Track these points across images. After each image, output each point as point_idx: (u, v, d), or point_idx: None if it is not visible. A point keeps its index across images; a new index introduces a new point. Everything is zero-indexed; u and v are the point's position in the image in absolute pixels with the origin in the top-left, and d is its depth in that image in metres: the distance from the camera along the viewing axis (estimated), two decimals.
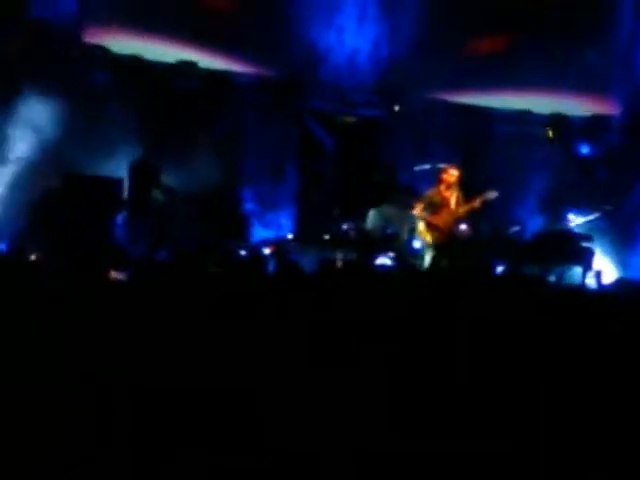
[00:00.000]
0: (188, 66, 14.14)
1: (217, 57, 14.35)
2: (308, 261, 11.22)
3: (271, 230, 14.06)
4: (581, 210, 14.35)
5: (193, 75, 14.13)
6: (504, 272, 12.34)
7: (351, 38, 14.79)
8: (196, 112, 14.04)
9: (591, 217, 14.17)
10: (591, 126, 15.26)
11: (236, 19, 14.22)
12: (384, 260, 12.36)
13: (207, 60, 14.30)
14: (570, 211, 14.35)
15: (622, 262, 14.37)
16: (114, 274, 6.00)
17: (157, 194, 13.11)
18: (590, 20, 14.77)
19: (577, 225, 14.18)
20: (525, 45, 14.79)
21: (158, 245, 12.04)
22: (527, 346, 4.97)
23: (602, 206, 14.42)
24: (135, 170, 13.08)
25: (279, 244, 13.04)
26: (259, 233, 13.88)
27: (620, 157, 15.09)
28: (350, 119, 14.90)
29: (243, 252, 11.31)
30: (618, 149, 15.12)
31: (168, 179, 13.59)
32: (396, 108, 14.80)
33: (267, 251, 12.19)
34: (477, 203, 12.85)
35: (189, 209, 13.30)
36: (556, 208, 14.53)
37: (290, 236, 13.97)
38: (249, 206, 14.11)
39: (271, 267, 6.89)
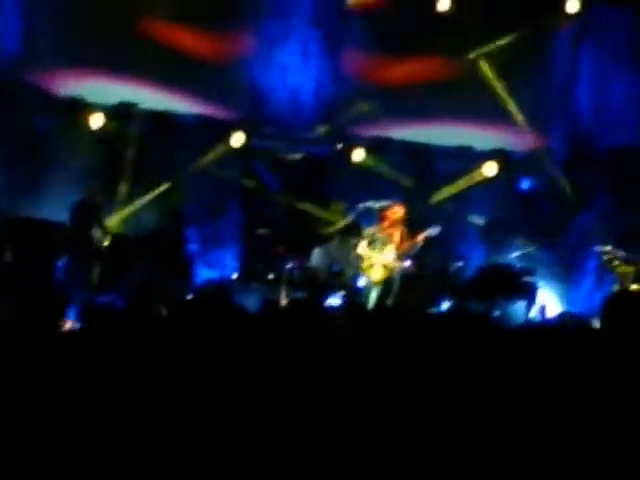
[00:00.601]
0: (129, 107, 14.10)
1: (160, 98, 14.32)
2: (252, 300, 11.19)
3: (215, 270, 14.00)
4: (523, 244, 14.49)
5: (135, 116, 14.10)
6: (449, 309, 12.40)
7: (294, 76, 14.84)
8: (138, 152, 14.00)
9: (529, 249, 14.32)
10: (532, 161, 15.42)
11: (179, 59, 14.21)
12: (334, 300, 12.34)
13: (150, 101, 14.28)
14: (512, 245, 14.48)
15: (565, 296, 14.50)
16: (61, 322, 5.91)
17: (99, 235, 13.00)
18: (529, 57, 14.98)
19: (517, 257, 14.30)
20: (465, 81, 14.94)
21: (102, 288, 11.92)
22: (473, 382, 4.97)
23: (543, 240, 14.58)
24: (76, 212, 12.96)
25: (223, 284, 12.97)
26: (203, 273, 13.81)
27: (561, 191, 15.26)
28: (294, 157, 14.91)
29: (188, 294, 11.22)
30: (559, 184, 15.29)
31: (110, 220, 13.51)
32: (339, 146, 14.84)
33: (211, 292, 12.10)
34: (420, 239, 12.92)
35: (133, 250, 13.21)
36: (498, 242, 14.65)
37: (234, 276, 13.92)
38: (193, 246, 14.05)
39: (215, 308, 6.85)
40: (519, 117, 15.02)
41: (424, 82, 14.88)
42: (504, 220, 14.84)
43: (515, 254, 14.32)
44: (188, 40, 14.42)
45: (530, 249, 14.31)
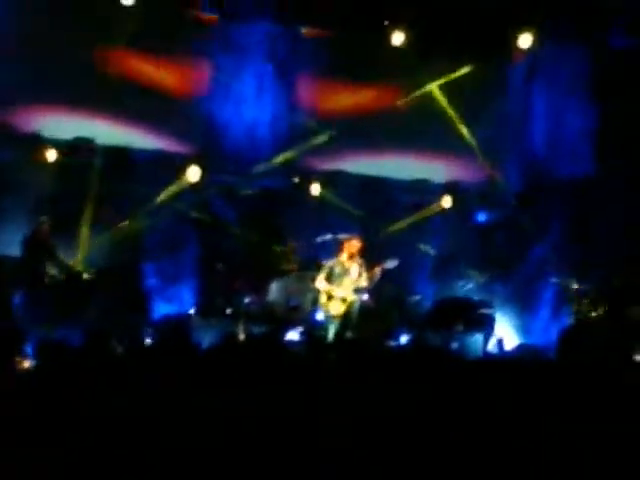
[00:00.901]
0: (86, 142, 14.06)
1: (117, 132, 14.29)
2: (211, 336, 11.12)
3: (173, 305, 13.92)
4: (478, 275, 14.56)
5: (91, 151, 14.06)
6: (408, 342, 12.40)
7: (250, 110, 14.86)
8: (95, 187, 13.95)
9: (481, 279, 14.39)
10: (487, 193, 15.53)
11: (137, 93, 14.20)
12: (293, 334, 12.30)
13: (107, 136, 14.25)
14: (468, 277, 14.55)
15: (522, 327, 14.57)
16: (19, 361, 5.84)
17: (53, 270, 12.89)
18: (483, 90, 15.12)
19: (474, 290, 14.36)
20: (420, 113, 15.05)
21: (58, 324, 11.78)
22: (432, 415, 4.98)
23: (498, 271, 14.68)
24: (26, 245, 12.85)
25: (180, 320, 12.89)
26: (161, 308, 13.72)
27: (516, 223, 15.37)
28: (251, 191, 14.90)
29: (146, 332, 11.14)
30: (514, 216, 15.41)
31: (66, 255, 13.41)
32: (295, 179, 14.87)
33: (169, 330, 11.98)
34: (378, 272, 12.93)
35: (89, 285, 13.11)
36: (454, 275, 14.71)
37: (192, 311, 13.84)
38: (150, 281, 13.96)
39: (173, 346, 6.82)
40: (474, 149, 15.14)
41: (379, 113, 14.96)
42: (460, 252, 14.91)
43: (469, 286, 14.38)
44: (145, 75, 14.42)
45: (483, 279, 14.37)
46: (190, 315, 13.54)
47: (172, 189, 14.26)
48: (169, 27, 14.17)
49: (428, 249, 15.04)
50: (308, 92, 15.06)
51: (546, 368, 6.14)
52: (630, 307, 13.32)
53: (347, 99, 15.16)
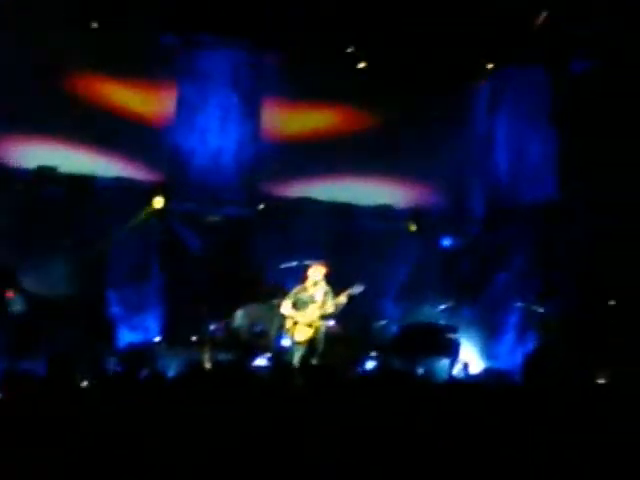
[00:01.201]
0: (48, 171, 14.00)
1: (81, 160, 14.24)
2: (176, 364, 11.08)
3: (138, 333, 13.85)
4: (446, 301, 14.60)
5: (54, 180, 14.00)
6: (375, 367, 12.43)
7: (215, 139, 14.87)
8: (58, 216, 13.88)
9: (447, 306, 14.43)
10: (452, 219, 15.58)
11: (102, 121, 14.17)
12: (260, 361, 12.27)
13: (70, 164, 14.19)
14: (436, 303, 14.57)
15: (488, 352, 14.61)
16: None
17: (15, 300, 12.79)
18: (447, 118, 15.22)
19: (439, 315, 14.38)
20: (384, 139, 15.11)
21: (21, 354, 11.69)
22: (399, 438, 4.99)
23: (463, 297, 14.72)
24: None
25: (146, 349, 12.83)
26: (126, 337, 13.65)
27: (481, 249, 15.44)
28: (216, 218, 14.88)
29: (111, 361, 11.07)
30: (479, 241, 15.48)
31: (30, 284, 13.31)
32: (260, 207, 14.87)
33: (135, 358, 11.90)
34: (343, 298, 12.95)
35: (53, 314, 13.02)
36: (421, 300, 14.74)
37: (157, 339, 13.78)
38: (115, 310, 13.90)
39: (139, 376, 6.78)
40: (438, 175, 15.21)
41: (344, 139, 14.99)
42: (425, 278, 14.95)
43: (437, 310, 14.41)
44: (110, 99, 14.39)
45: (448, 305, 14.40)
46: (155, 343, 13.48)
47: (137, 217, 14.21)
48: (135, 54, 14.16)
49: (394, 274, 15.05)
50: (273, 119, 15.07)
51: (510, 391, 6.17)
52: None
53: (312, 124, 15.20)
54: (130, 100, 14.54)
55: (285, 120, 15.18)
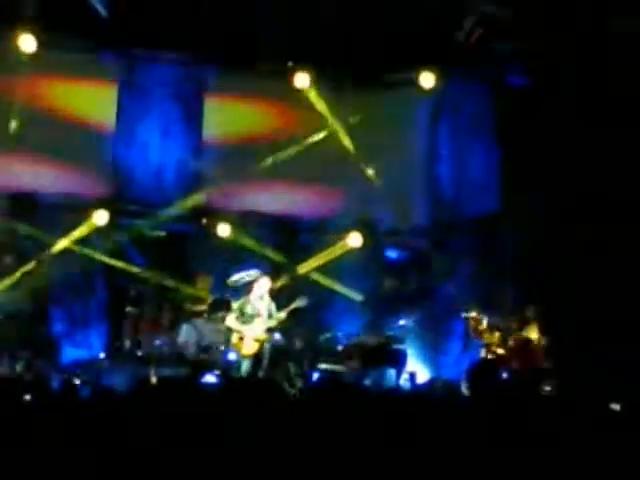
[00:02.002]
0: None
1: (22, 176, 14.10)
2: (122, 379, 11.00)
3: (82, 350, 13.73)
4: (393, 313, 14.63)
5: None
6: (320, 379, 12.40)
7: (156, 153, 14.81)
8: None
9: (404, 322, 14.46)
10: (397, 231, 15.64)
11: (42, 134, 14.03)
12: (210, 378, 12.20)
13: (11, 179, 14.05)
14: (383, 315, 14.61)
15: (434, 362, 14.68)
16: None
17: None
18: (389, 132, 15.30)
19: (391, 328, 14.42)
20: (327, 152, 15.15)
21: None
22: (346, 451, 5.00)
23: (413, 310, 14.77)
24: None
25: (90, 365, 12.72)
26: (70, 353, 13.53)
27: (426, 261, 15.52)
28: (159, 234, 14.81)
29: (55, 378, 10.95)
30: (424, 253, 15.55)
31: None
32: (203, 221, 14.82)
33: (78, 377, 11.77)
34: (288, 311, 12.98)
35: None
36: (368, 312, 14.77)
37: (102, 355, 13.68)
38: (58, 326, 13.77)
39: (84, 393, 6.73)
40: (383, 187, 15.26)
41: (287, 149, 14.99)
42: (372, 289, 14.99)
43: (388, 326, 14.44)
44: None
45: (403, 322, 14.43)
46: (100, 359, 13.37)
47: (79, 233, 14.09)
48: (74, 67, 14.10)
49: (340, 287, 15.07)
50: (215, 123, 15.02)
51: (455, 401, 6.21)
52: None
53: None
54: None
55: (226, 122, 15.08)
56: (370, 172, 15.17)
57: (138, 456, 4.83)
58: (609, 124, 14.04)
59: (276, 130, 15.10)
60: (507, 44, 14.42)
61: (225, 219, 14.73)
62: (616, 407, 6.89)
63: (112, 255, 14.42)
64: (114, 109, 14.51)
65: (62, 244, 14.01)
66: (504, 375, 13.00)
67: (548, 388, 11.67)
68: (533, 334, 13.57)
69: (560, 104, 14.32)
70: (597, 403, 6.12)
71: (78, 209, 14.17)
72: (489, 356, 13.55)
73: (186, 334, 13.22)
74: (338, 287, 15.02)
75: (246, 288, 13.66)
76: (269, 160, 14.82)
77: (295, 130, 15.10)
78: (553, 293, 13.87)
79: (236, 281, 13.67)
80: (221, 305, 13.36)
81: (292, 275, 14.87)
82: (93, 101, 14.43)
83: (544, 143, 14.25)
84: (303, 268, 15.01)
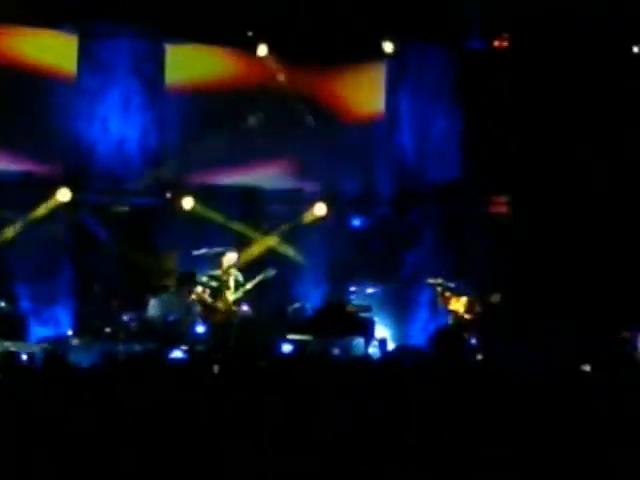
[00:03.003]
0: None
1: None
2: (91, 356, 10.97)
3: (50, 327, 13.67)
4: (359, 282, 14.67)
5: None
6: (290, 350, 12.46)
7: (117, 127, 14.69)
8: None
9: (372, 290, 14.51)
10: (361, 200, 15.65)
11: None
12: (177, 353, 12.18)
13: None
14: (349, 284, 14.65)
15: (402, 330, 14.76)
16: None
17: None
18: (351, 100, 15.30)
19: (358, 297, 14.47)
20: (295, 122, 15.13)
21: None
22: (317, 421, 5.03)
23: (379, 278, 14.82)
24: None
25: (56, 342, 12.67)
26: (37, 331, 13.46)
27: (391, 229, 15.56)
28: (123, 209, 14.73)
29: (23, 355, 10.91)
30: (388, 221, 15.59)
31: None
32: (168, 195, 14.74)
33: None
34: (256, 283, 13.00)
35: None
36: (335, 281, 14.81)
37: (70, 332, 13.62)
38: (25, 304, 13.69)
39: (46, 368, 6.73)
40: (345, 157, 15.26)
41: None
42: (338, 259, 15.01)
43: (353, 294, 14.48)
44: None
45: (371, 290, 14.49)
46: (68, 336, 13.32)
47: (42, 211, 13.99)
48: None
49: (306, 257, 15.08)
50: (177, 109, 14.92)
51: (421, 366, 6.28)
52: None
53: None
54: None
55: (188, 80, 14.95)
56: (331, 141, 15.16)
57: (105, 432, 4.84)
58: (570, 89, 14.12)
59: (237, 95, 15.02)
60: (466, 8, 14.44)
61: (189, 192, 14.67)
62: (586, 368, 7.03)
63: (77, 232, 14.34)
64: (74, 83, 14.36)
65: (25, 222, 13.90)
66: (472, 341, 13.12)
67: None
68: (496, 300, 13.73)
69: (520, 68, 14.37)
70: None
71: (40, 186, 14.05)
72: (455, 323, 13.67)
73: (153, 308, 13.18)
74: (304, 258, 15.03)
75: (213, 261, 13.65)
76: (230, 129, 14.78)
77: (257, 98, 15.05)
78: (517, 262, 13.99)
79: (202, 255, 13.65)
80: (188, 279, 13.32)
81: (258, 247, 14.85)
82: (53, 72, 14.25)
83: (504, 108, 14.31)
84: (269, 239, 15.00)
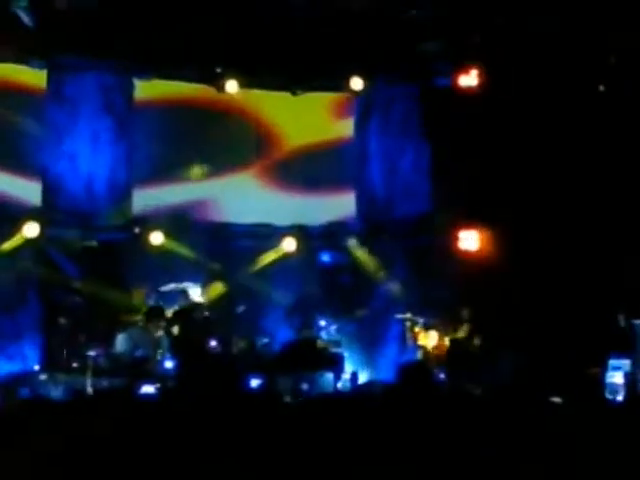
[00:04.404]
0: None
1: None
2: (58, 391, 10.89)
3: (16, 363, 13.56)
4: (329, 317, 14.67)
5: None
6: (260, 387, 12.41)
7: (86, 164, 14.66)
8: None
9: (338, 325, 14.52)
10: (330, 233, 15.67)
11: None
12: (148, 388, 12.10)
13: None
14: (318, 319, 14.63)
15: (371, 365, 14.75)
16: None
17: None
18: (321, 134, 15.41)
19: (327, 332, 14.44)
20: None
21: None
22: (285, 460, 5.02)
23: (350, 312, 14.83)
24: None
25: (25, 378, 12.56)
26: (3, 367, 13.34)
27: (360, 264, 15.57)
28: (92, 244, 14.67)
29: None
30: (357, 255, 15.60)
31: None
32: (136, 230, 14.71)
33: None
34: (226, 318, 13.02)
35: None
36: (303, 317, 14.78)
37: (37, 367, 13.51)
38: None
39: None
40: (315, 191, 15.33)
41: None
42: (309, 295, 14.98)
43: (323, 330, 14.45)
44: None
45: (336, 326, 14.49)
46: (35, 371, 13.20)
47: (9, 245, 13.91)
48: None
49: (276, 293, 15.06)
50: (145, 145, 14.92)
51: (390, 401, 6.27)
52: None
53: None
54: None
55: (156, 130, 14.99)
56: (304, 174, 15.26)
57: (75, 467, 4.81)
58: (537, 122, 14.25)
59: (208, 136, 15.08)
60: (432, 44, 14.56)
61: (158, 227, 14.64)
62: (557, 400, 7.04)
63: (44, 267, 14.26)
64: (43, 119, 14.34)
65: None
66: (441, 376, 13.13)
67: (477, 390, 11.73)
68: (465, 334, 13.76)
69: (487, 102, 14.50)
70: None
71: (7, 221, 13.98)
72: (424, 357, 13.68)
73: (121, 344, 13.10)
74: (273, 293, 15.01)
75: (181, 297, 13.64)
76: (200, 167, 14.80)
77: (225, 134, 15.12)
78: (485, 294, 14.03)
79: (171, 290, 13.63)
80: (156, 314, 13.27)
81: (228, 282, 14.83)
82: (21, 110, 14.24)
83: (470, 142, 14.42)
84: (239, 275, 14.98)
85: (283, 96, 15.26)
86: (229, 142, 15.17)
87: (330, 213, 15.56)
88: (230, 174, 15.20)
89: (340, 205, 15.66)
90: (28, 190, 14.26)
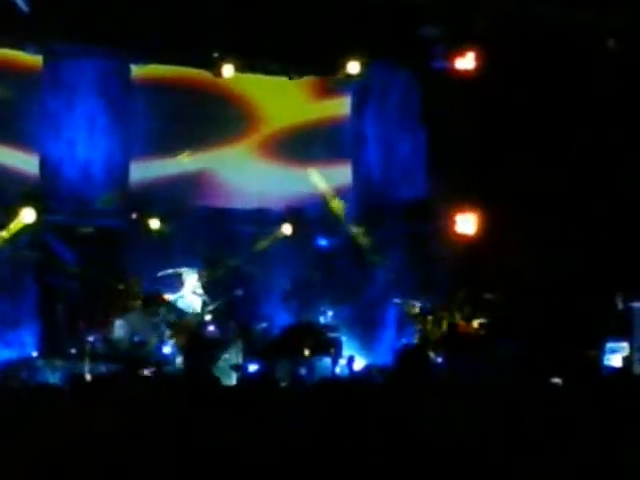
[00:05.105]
0: None
1: None
2: (55, 377, 10.90)
3: (14, 349, 13.56)
4: (326, 301, 14.67)
5: None
6: (256, 371, 12.44)
7: (83, 148, 14.63)
8: None
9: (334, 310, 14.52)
10: (328, 219, 15.66)
11: None
12: (145, 373, 12.13)
13: None
14: (316, 303, 14.64)
15: (369, 349, 14.76)
16: None
17: None
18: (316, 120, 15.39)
19: (325, 316, 14.45)
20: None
21: None
22: (283, 442, 5.02)
23: (348, 296, 14.83)
24: None
25: (23, 364, 12.58)
26: (2, 353, 13.35)
27: (357, 248, 15.58)
28: (89, 230, 14.65)
29: None
30: (354, 240, 15.60)
31: None
32: (134, 216, 14.69)
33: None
34: (223, 303, 13.01)
35: None
36: (301, 302, 14.78)
37: (35, 354, 13.52)
38: None
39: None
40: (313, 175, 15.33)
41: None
42: (307, 280, 14.98)
43: (322, 315, 14.46)
44: None
45: (334, 310, 14.50)
46: (33, 358, 13.21)
47: (6, 231, 13.90)
48: None
49: (273, 277, 15.06)
50: (142, 131, 14.89)
51: (388, 387, 6.29)
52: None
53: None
54: None
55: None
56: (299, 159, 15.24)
57: (72, 453, 4.81)
58: (535, 107, 14.25)
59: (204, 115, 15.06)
60: (431, 29, 14.53)
61: (155, 213, 14.62)
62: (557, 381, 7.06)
63: (41, 253, 14.25)
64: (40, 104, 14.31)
65: None
66: (438, 360, 13.15)
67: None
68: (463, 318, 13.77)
69: (484, 87, 14.49)
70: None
71: (4, 206, 13.96)
72: (422, 342, 13.70)
73: (119, 329, 13.12)
74: (271, 277, 15.00)
75: (178, 282, 13.65)
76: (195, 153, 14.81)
77: (220, 114, 15.12)
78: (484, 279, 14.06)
79: (169, 275, 13.64)
80: (154, 299, 13.29)
81: (226, 267, 14.83)
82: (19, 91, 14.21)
83: (467, 127, 14.40)
84: (237, 260, 14.97)
85: (279, 80, 15.23)
86: (223, 121, 15.16)
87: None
88: (227, 148, 15.17)
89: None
90: (27, 163, 14.21)
